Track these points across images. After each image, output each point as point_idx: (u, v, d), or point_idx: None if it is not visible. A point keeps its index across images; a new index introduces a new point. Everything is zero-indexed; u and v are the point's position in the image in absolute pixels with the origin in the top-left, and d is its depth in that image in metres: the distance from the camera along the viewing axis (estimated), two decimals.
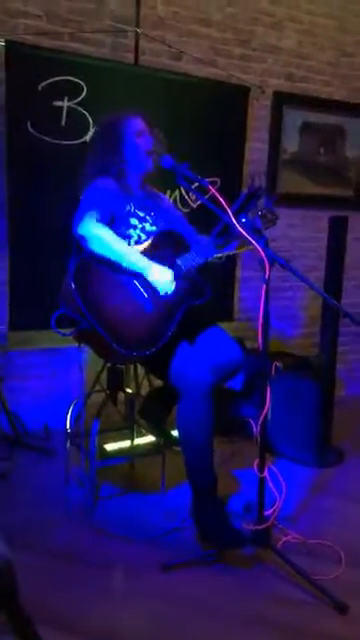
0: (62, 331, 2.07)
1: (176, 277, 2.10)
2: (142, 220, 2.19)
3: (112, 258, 2.02)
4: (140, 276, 2.07)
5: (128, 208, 2.17)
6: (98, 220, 2.02)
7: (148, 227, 2.19)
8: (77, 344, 2.24)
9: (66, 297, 2.02)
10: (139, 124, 2.19)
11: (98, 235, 2.00)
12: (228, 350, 2.19)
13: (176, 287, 2.11)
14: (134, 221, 2.17)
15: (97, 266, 2.04)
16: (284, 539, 2.10)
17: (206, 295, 2.19)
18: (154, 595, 1.85)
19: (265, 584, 1.92)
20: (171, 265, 2.12)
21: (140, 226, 2.17)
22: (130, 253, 2.05)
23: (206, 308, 2.23)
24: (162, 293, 2.08)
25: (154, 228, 2.20)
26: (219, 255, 2.20)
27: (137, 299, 2.06)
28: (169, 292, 2.08)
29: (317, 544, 2.11)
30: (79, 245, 2.05)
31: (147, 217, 2.21)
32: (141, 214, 2.20)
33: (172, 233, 2.22)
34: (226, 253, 2.22)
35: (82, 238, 2.02)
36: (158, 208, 2.29)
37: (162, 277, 2.06)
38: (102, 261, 2.03)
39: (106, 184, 2.14)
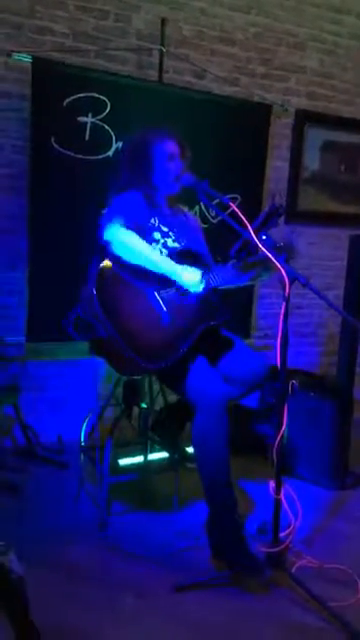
0: (77, 335, 2.08)
1: (203, 279, 2.10)
2: (165, 235, 2.20)
3: (138, 262, 2.03)
4: (160, 288, 2.07)
5: (152, 222, 2.18)
6: (124, 226, 2.04)
7: (170, 243, 2.20)
8: (92, 355, 2.23)
9: (85, 301, 2.03)
10: (171, 147, 2.19)
11: (124, 240, 2.02)
12: (252, 361, 2.18)
13: (195, 307, 2.10)
14: (157, 235, 2.18)
15: (119, 274, 2.05)
16: (299, 563, 2.06)
17: (224, 316, 2.18)
18: (165, 617, 1.82)
19: (279, 609, 1.87)
20: None
21: (162, 241, 2.18)
22: (157, 256, 2.07)
23: (227, 324, 2.23)
24: (192, 291, 2.08)
25: (176, 244, 2.21)
26: (236, 285, 2.20)
27: (156, 311, 2.06)
28: (199, 290, 2.08)
29: (333, 569, 2.06)
30: (104, 252, 2.06)
31: (170, 233, 2.22)
32: (164, 229, 2.21)
33: (194, 252, 2.23)
34: (244, 284, 2.23)
35: (108, 243, 2.03)
36: (183, 227, 2.29)
37: (191, 277, 2.07)
38: (126, 268, 2.04)
39: (133, 196, 2.16)
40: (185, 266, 2.09)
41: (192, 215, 2.52)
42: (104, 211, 2.15)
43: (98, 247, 2.07)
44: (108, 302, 1.99)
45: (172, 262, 2.08)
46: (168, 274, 2.06)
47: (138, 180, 2.18)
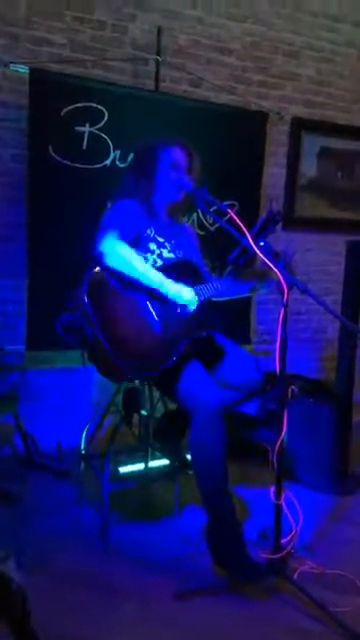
0: (66, 336, 2.10)
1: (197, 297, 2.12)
2: (160, 246, 2.21)
3: (131, 274, 2.04)
4: (153, 297, 2.07)
5: (148, 232, 2.19)
6: (120, 238, 2.05)
7: (166, 253, 2.21)
8: (87, 363, 2.24)
9: (75, 303, 2.04)
10: (176, 155, 2.21)
11: (118, 252, 2.03)
12: (249, 369, 2.18)
13: (187, 316, 2.10)
14: (152, 246, 2.19)
15: (111, 280, 2.06)
16: (301, 569, 2.05)
17: (215, 326, 2.19)
18: (167, 624, 1.81)
19: (281, 615, 1.87)
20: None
21: (158, 251, 2.19)
22: (149, 270, 2.07)
23: (219, 331, 2.23)
24: (184, 303, 2.07)
25: (171, 255, 2.22)
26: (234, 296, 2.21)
27: (146, 319, 2.07)
28: (192, 307, 2.08)
29: (335, 574, 2.06)
30: (97, 261, 2.07)
31: (166, 244, 2.22)
32: (160, 239, 2.21)
33: (190, 263, 2.24)
34: (242, 295, 2.24)
35: (102, 254, 2.04)
36: (179, 237, 2.30)
37: (183, 293, 2.08)
38: (118, 277, 2.05)
39: (129, 205, 2.17)
40: (180, 285, 2.09)
41: (189, 226, 2.53)
42: (101, 220, 2.16)
43: (93, 255, 2.08)
44: (99, 305, 2.00)
45: (166, 280, 2.07)
46: (161, 292, 2.06)
47: (141, 185, 2.19)
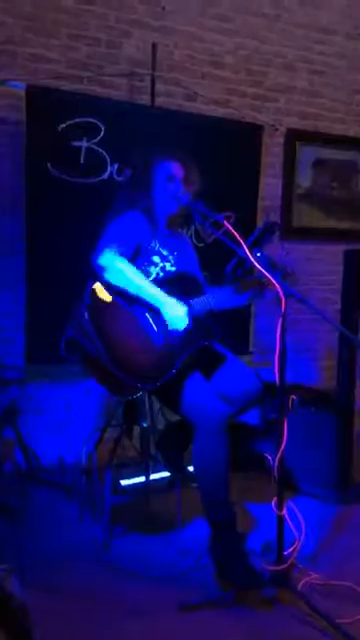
0: (67, 353, 2.10)
1: (187, 315, 2.11)
2: (164, 259, 2.22)
3: (129, 290, 2.05)
4: (152, 309, 2.08)
5: (153, 244, 2.20)
6: (120, 253, 2.05)
7: (168, 267, 2.22)
8: (87, 376, 2.23)
9: (76, 321, 2.05)
10: (172, 169, 2.22)
11: (118, 267, 2.03)
12: (246, 380, 2.18)
13: (187, 327, 2.11)
14: (156, 259, 2.20)
15: (111, 295, 2.07)
16: (304, 580, 2.03)
17: (217, 336, 2.19)
18: (171, 638, 1.80)
19: (285, 627, 1.85)
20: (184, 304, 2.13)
21: (161, 265, 2.20)
22: (148, 286, 2.07)
23: (220, 341, 2.23)
24: (171, 328, 2.07)
25: (174, 269, 2.22)
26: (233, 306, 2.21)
27: (147, 331, 2.08)
28: (180, 329, 2.08)
29: (339, 585, 2.04)
30: (96, 275, 2.08)
31: (169, 257, 2.23)
32: (164, 252, 2.22)
33: (190, 276, 2.25)
34: (241, 305, 2.23)
35: (101, 268, 2.05)
36: (181, 249, 2.31)
37: (176, 312, 2.07)
38: (116, 291, 2.06)
39: (134, 217, 2.19)
40: (174, 300, 2.08)
41: (187, 237, 2.54)
42: (104, 231, 2.17)
43: (91, 269, 2.09)
44: (99, 322, 2.01)
45: (161, 293, 2.07)
46: (155, 304, 2.06)
47: (140, 197, 2.21)
